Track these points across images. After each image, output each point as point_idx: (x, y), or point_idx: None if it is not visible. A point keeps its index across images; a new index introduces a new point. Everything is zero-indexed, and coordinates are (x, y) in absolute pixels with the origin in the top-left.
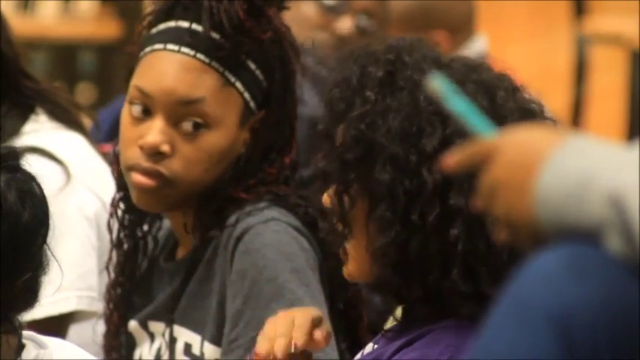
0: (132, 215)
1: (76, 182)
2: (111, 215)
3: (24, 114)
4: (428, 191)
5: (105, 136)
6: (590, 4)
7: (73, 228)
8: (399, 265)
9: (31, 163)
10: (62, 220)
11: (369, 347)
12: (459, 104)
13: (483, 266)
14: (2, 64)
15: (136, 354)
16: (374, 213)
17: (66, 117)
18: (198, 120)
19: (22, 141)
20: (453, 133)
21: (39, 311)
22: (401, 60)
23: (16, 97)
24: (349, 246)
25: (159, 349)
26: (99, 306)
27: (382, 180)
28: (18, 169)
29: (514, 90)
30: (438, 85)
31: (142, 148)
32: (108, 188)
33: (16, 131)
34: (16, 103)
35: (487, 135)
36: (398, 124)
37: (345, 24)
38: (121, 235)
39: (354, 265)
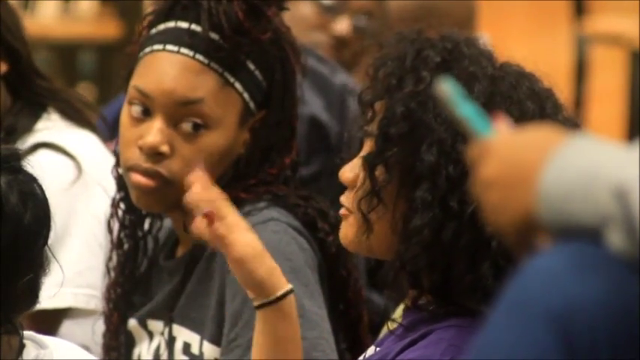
0: (132, 215)
1: (87, 179)
2: (111, 215)
3: (36, 112)
4: (470, 181)
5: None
6: (590, 4)
7: (79, 225)
8: (430, 248)
9: (42, 157)
10: (69, 216)
11: (370, 350)
12: (466, 109)
13: (511, 266)
14: (16, 63)
15: (135, 353)
16: (413, 192)
17: (78, 116)
18: (198, 120)
19: (34, 138)
20: None
21: None
22: (459, 50)
23: (28, 96)
24: (374, 217)
25: (157, 348)
26: (99, 304)
27: (427, 160)
28: (19, 171)
29: (560, 105)
30: (446, 88)
31: (141, 148)
32: None
33: (28, 129)
34: (29, 102)
35: (486, 137)
36: None
37: (343, 24)
38: (122, 235)
39: (374, 238)
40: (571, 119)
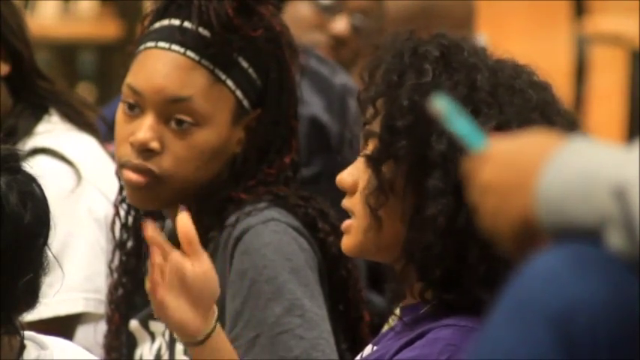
0: (134, 215)
1: (86, 184)
2: (114, 215)
3: (37, 114)
4: None
5: (104, 135)
6: (590, 4)
7: (83, 229)
8: (444, 235)
9: (41, 164)
10: (72, 222)
11: (367, 349)
12: (461, 125)
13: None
14: (18, 64)
15: (137, 354)
16: (424, 182)
17: (79, 119)
18: (188, 118)
19: (34, 141)
20: (509, 118)
21: (46, 311)
22: (455, 44)
23: (30, 98)
24: (382, 214)
25: (159, 349)
26: (104, 309)
27: (438, 149)
28: (19, 171)
29: (557, 97)
30: (441, 105)
31: (132, 144)
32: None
33: (28, 131)
34: (31, 104)
35: (482, 151)
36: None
37: (340, 23)
38: (124, 235)
39: (384, 235)
40: (569, 111)
